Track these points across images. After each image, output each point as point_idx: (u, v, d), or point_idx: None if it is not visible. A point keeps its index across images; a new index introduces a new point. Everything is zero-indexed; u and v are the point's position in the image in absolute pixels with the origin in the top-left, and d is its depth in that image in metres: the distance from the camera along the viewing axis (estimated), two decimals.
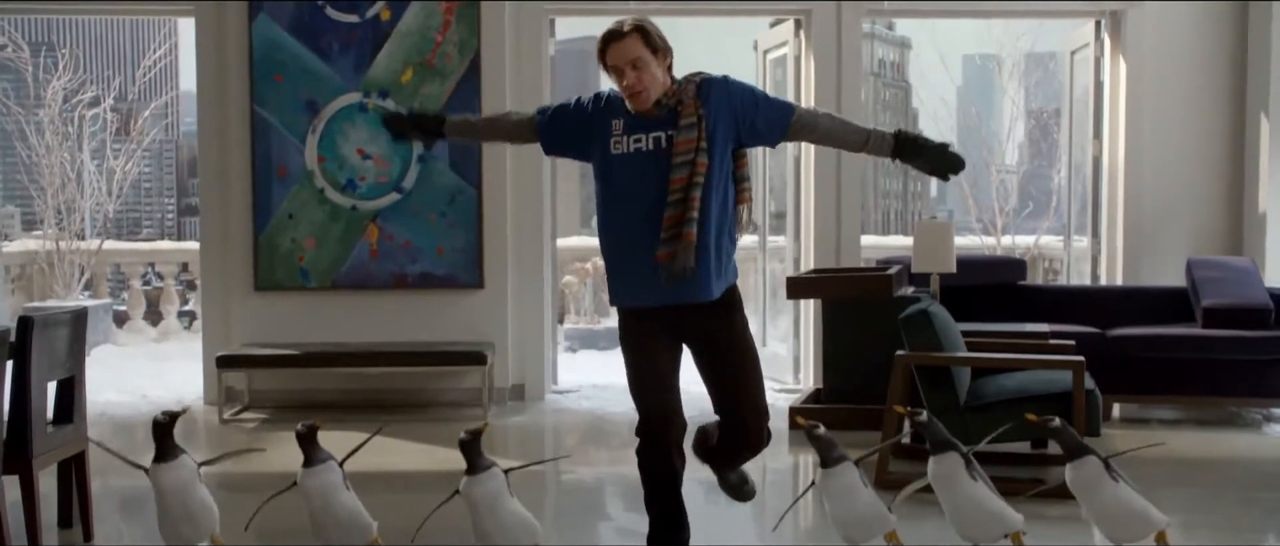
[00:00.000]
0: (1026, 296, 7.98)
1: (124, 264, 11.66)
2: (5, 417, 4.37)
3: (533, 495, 5.04)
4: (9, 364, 4.36)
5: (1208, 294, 7.34)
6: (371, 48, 7.80)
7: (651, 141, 3.92)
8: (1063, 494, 4.25)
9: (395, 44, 7.80)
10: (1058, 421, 4.13)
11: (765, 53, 8.93)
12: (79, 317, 4.86)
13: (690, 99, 3.92)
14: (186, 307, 12.06)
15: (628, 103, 3.94)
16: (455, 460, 4.05)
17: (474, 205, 7.89)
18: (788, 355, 8.63)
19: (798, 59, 8.40)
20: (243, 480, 5.75)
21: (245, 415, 7.63)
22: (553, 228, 8.37)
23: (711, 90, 3.95)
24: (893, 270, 7.09)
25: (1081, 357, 5.50)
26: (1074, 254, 9.31)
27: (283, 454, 5.95)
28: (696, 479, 4.44)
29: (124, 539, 4.98)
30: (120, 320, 11.40)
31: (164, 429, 4.10)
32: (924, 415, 4.15)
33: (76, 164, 12.39)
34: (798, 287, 7.44)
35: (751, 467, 4.46)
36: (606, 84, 4.12)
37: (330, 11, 7.80)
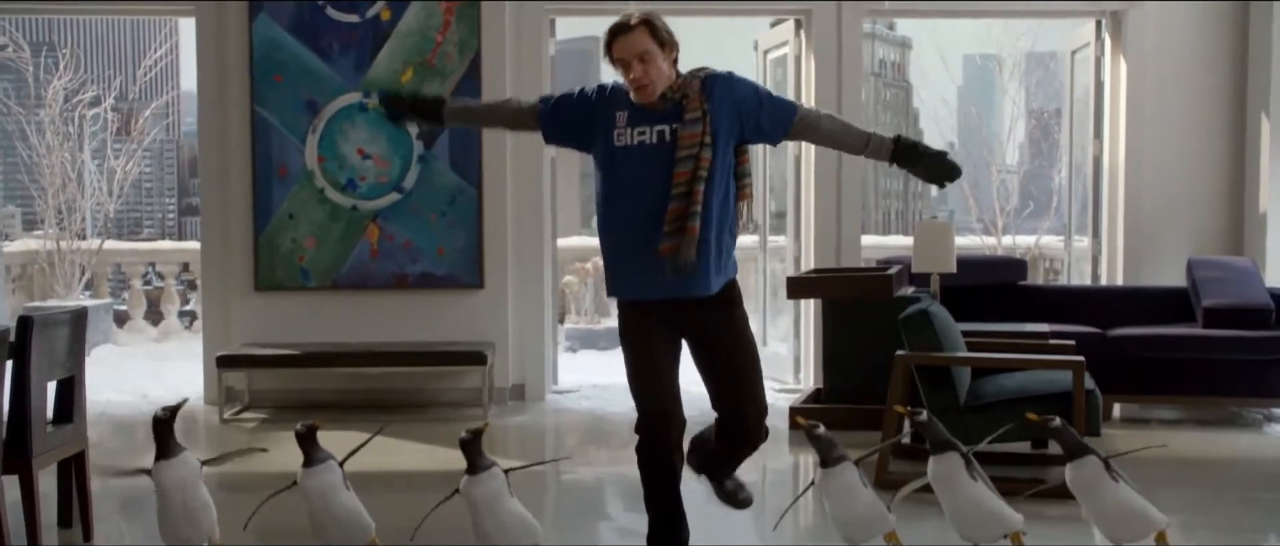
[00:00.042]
0: (1027, 296, 7.97)
1: (125, 264, 11.66)
2: (5, 417, 4.37)
3: (533, 495, 5.03)
4: (9, 364, 4.36)
5: (1208, 294, 7.33)
6: (372, 48, 7.80)
7: (655, 134, 3.93)
8: (1062, 494, 4.25)
9: (395, 44, 7.80)
10: (1058, 421, 4.13)
11: (766, 53, 8.93)
12: (79, 317, 4.86)
13: (695, 94, 3.93)
14: (187, 307, 12.05)
15: (633, 95, 3.95)
16: (455, 460, 4.05)
17: (474, 205, 7.89)
18: (788, 355, 8.63)
19: (798, 59, 8.40)
20: (243, 480, 5.75)
21: (245, 415, 7.63)
22: (553, 228, 8.37)
23: (716, 86, 3.96)
24: (893, 270, 7.09)
25: (1081, 357, 5.50)
26: (1075, 254, 9.30)
27: (283, 454, 5.95)
28: (696, 478, 4.43)
29: (124, 539, 4.98)
30: (121, 320, 11.40)
31: (165, 425, 4.09)
32: (924, 415, 4.15)
33: (77, 164, 12.38)
34: (798, 287, 7.44)
35: (750, 470, 4.46)
36: (608, 77, 4.13)
37: (330, 11, 7.80)
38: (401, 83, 7.77)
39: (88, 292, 11.40)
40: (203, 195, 8.14)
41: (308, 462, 4.12)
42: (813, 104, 8.09)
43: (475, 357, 7.47)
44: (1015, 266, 8.24)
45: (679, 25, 4.20)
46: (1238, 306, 7.22)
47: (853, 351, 7.10)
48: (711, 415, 4.22)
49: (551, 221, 8.30)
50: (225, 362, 7.47)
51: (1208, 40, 8.42)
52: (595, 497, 5.88)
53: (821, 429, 4.04)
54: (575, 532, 5.07)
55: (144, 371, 9.27)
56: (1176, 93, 8.40)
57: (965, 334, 5.97)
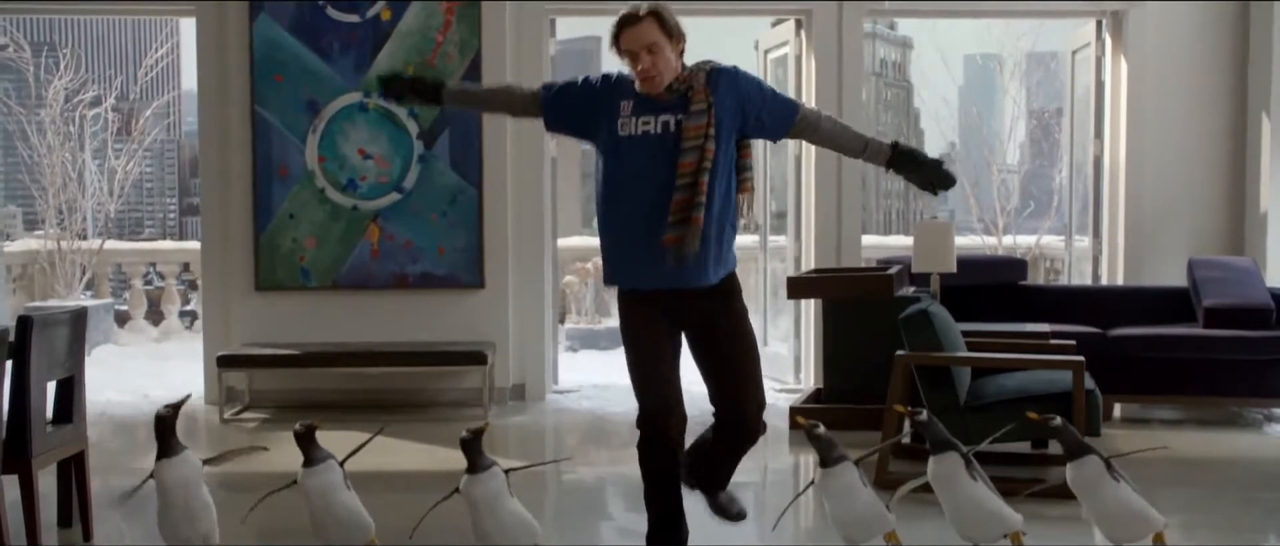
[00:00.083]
0: (1027, 296, 7.97)
1: (125, 263, 11.66)
2: (4, 417, 4.37)
3: (533, 495, 5.04)
4: (8, 364, 4.36)
5: (1209, 294, 7.33)
6: (372, 48, 7.80)
7: (660, 125, 3.95)
8: (1062, 493, 4.24)
9: (396, 44, 7.80)
10: (1059, 420, 4.14)
11: (766, 52, 8.93)
12: (78, 317, 4.86)
13: (700, 86, 3.96)
14: (188, 307, 12.05)
15: (640, 86, 3.97)
16: (456, 460, 4.05)
17: (475, 205, 7.89)
18: (788, 355, 8.63)
19: (798, 58, 8.39)
20: (243, 480, 5.74)
21: (246, 415, 7.63)
22: (553, 227, 8.37)
23: (721, 79, 3.99)
24: (893, 270, 7.09)
25: (1081, 357, 5.50)
26: (1075, 253, 9.30)
27: (283, 454, 5.96)
28: (689, 492, 4.42)
29: (124, 539, 4.98)
30: (122, 320, 11.40)
31: (167, 423, 4.09)
32: (924, 415, 4.15)
33: (78, 164, 12.38)
34: (798, 287, 7.44)
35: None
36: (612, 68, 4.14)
37: (331, 11, 7.80)
38: None
39: (88, 292, 11.40)
40: (203, 195, 8.14)
41: (308, 462, 4.12)
42: (813, 104, 8.11)
43: (476, 357, 7.47)
44: (1016, 266, 8.24)
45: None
46: (1238, 306, 7.22)
47: (853, 351, 7.10)
48: (711, 416, 4.22)
49: (552, 221, 8.30)
50: (226, 362, 7.47)
51: (1208, 40, 8.42)
52: (596, 497, 5.88)
53: (821, 429, 4.04)
54: (576, 532, 5.07)
55: (145, 371, 9.27)
56: (1177, 93, 8.40)
57: (965, 334, 5.97)
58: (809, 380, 8.35)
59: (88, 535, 4.82)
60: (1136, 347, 7.23)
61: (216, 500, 4.21)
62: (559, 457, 6.62)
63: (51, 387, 4.68)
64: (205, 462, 4.20)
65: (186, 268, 11.53)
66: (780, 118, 4.09)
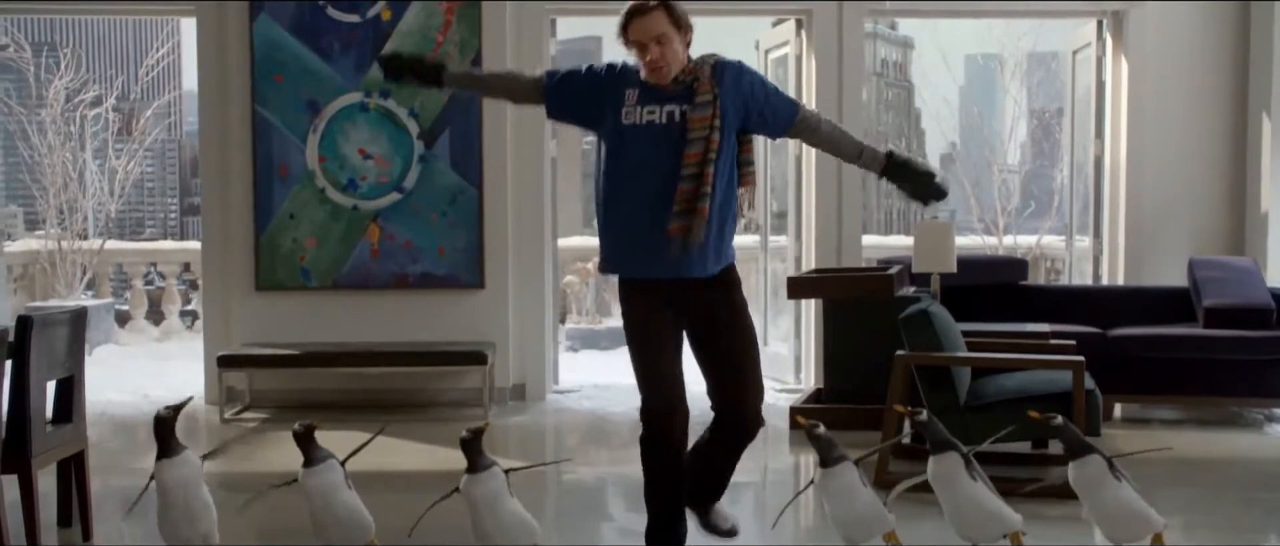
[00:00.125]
0: (1028, 296, 7.97)
1: (126, 263, 11.66)
2: (4, 417, 4.38)
3: (534, 495, 5.03)
4: (8, 363, 4.36)
5: (1209, 294, 7.33)
6: (372, 48, 7.78)
7: (665, 114, 3.97)
8: (1062, 493, 4.25)
9: (396, 44, 7.79)
10: (1060, 419, 4.14)
11: (767, 52, 8.93)
12: (78, 317, 4.86)
13: (706, 78, 3.99)
14: (189, 307, 12.06)
15: (648, 77, 3.99)
16: (456, 460, 4.05)
17: (475, 205, 7.89)
18: (789, 355, 8.63)
19: (799, 58, 8.40)
20: (243, 480, 5.76)
21: (246, 414, 7.64)
22: (554, 227, 8.37)
23: (726, 73, 4.03)
24: (893, 270, 7.09)
25: (1081, 357, 5.50)
26: (1076, 253, 9.30)
27: (283, 453, 5.96)
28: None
29: (124, 539, 4.98)
30: (122, 320, 11.40)
31: (167, 424, 4.10)
32: (924, 415, 4.15)
33: (79, 164, 12.38)
34: (799, 287, 7.44)
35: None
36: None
37: (331, 11, 7.80)
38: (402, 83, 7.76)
39: (89, 292, 11.40)
40: (204, 195, 8.14)
41: (308, 462, 4.12)
42: (814, 104, 8.13)
43: (476, 357, 7.47)
44: (1016, 266, 8.24)
45: None
46: (1239, 306, 7.21)
47: (853, 351, 7.10)
48: (709, 415, 4.22)
49: (552, 221, 8.30)
50: (226, 362, 7.47)
51: (1209, 40, 8.42)
52: (596, 497, 5.88)
53: (821, 428, 4.04)
54: (576, 532, 5.07)
55: (145, 371, 9.27)
56: (1177, 93, 8.40)
57: (965, 334, 5.97)
58: (809, 380, 8.34)
59: (87, 535, 4.82)
60: (1137, 347, 7.22)
61: (216, 500, 4.21)
62: (559, 458, 6.62)
63: (51, 387, 4.68)
64: (204, 458, 4.20)
65: (187, 267, 11.53)
66: (781, 115, 4.13)
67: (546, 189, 8.16)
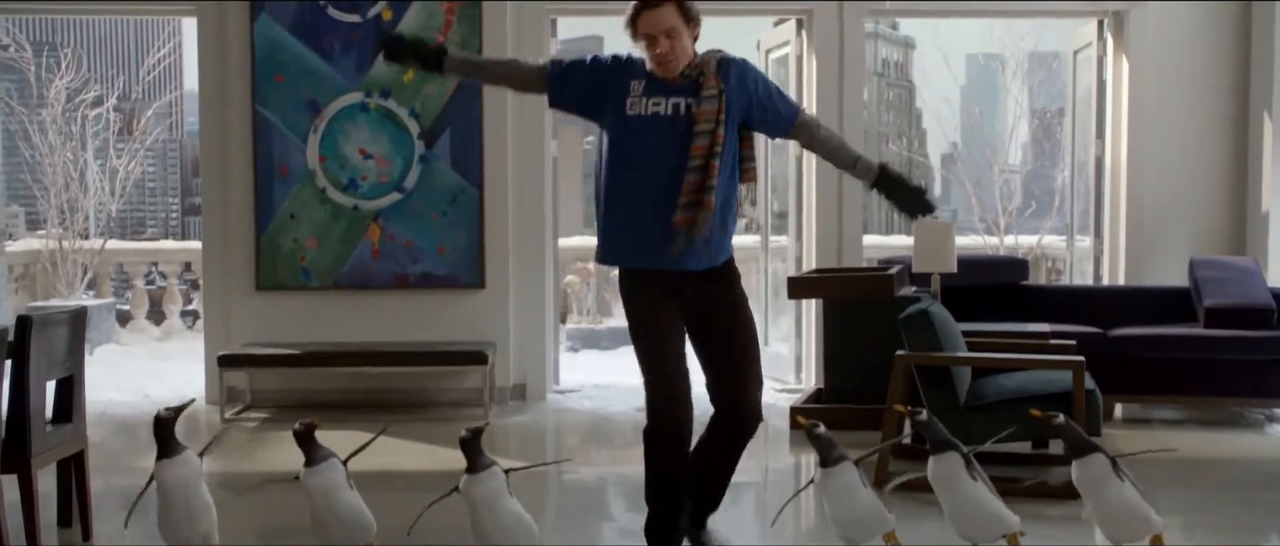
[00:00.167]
0: (1028, 296, 7.97)
1: (127, 263, 11.67)
2: (4, 417, 4.38)
3: (534, 495, 5.03)
4: (8, 363, 4.36)
5: (1210, 294, 7.32)
6: (373, 48, 7.77)
7: (670, 106, 3.99)
8: (1062, 493, 4.24)
9: None
10: (1062, 417, 4.14)
11: (768, 52, 8.93)
12: (78, 317, 4.86)
13: (711, 73, 4.01)
14: (190, 307, 12.06)
15: (655, 69, 4.00)
16: (456, 460, 4.05)
17: (475, 205, 7.89)
18: (789, 355, 8.63)
19: (800, 58, 8.39)
20: (243, 480, 5.76)
21: (247, 414, 7.64)
22: (554, 227, 8.37)
23: (731, 70, 4.06)
24: (894, 270, 7.08)
25: (1081, 357, 5.49)
26: (1077, 253, 9.29)
27: (283, 453, 5.97)
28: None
29: (124, 539, 4.98)
30: (123, 319, 11.41)
31: (166, 425, 4.10)
32: (924, 415, 4.15)
33: (80, 163, 12.39)
34: (799, 287, 7.44)
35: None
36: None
37: (332, 11, 7.80)
38: (404, 82, 7.78)
39: (91, 292, 11.40)
40: (204, 195, 8.14)
41: (309, 462, 4.12)
42: (815, 104, 8.14)
43: (476, 357, 7.47)
44: (1017, 266, 8.23)
45: None
46: (1239, 306, 7.21)
47: (854, 351, 7.10)
48: (707, 416, 4.22)
49: (553, 221, 8.29)
50: (227, 362, 7.48)
51: (1209, 40, 8.41)
52: (596, 498, 5.87)
53: (822, 428, 4.04)
54: (576, 532, 5.06)
55: (146, 371, 9.27)
56: (1178, 92, 8.39)
57: (965, 334, 5.97)
58: (810, 380, 8.34)
59: (87, 535, 4.82)
60: (1137, 347, 7.22)
61: (216, 500, 4.22)
62: (560, 458, 6.62)
63: (51, 387, 4.68)
64: (201, 454, 4.20)
65: (188, 267, 11.54)
66: (781, 116, 4.16)
67: (547, 189, 8.16)
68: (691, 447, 4.21)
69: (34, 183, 12.85)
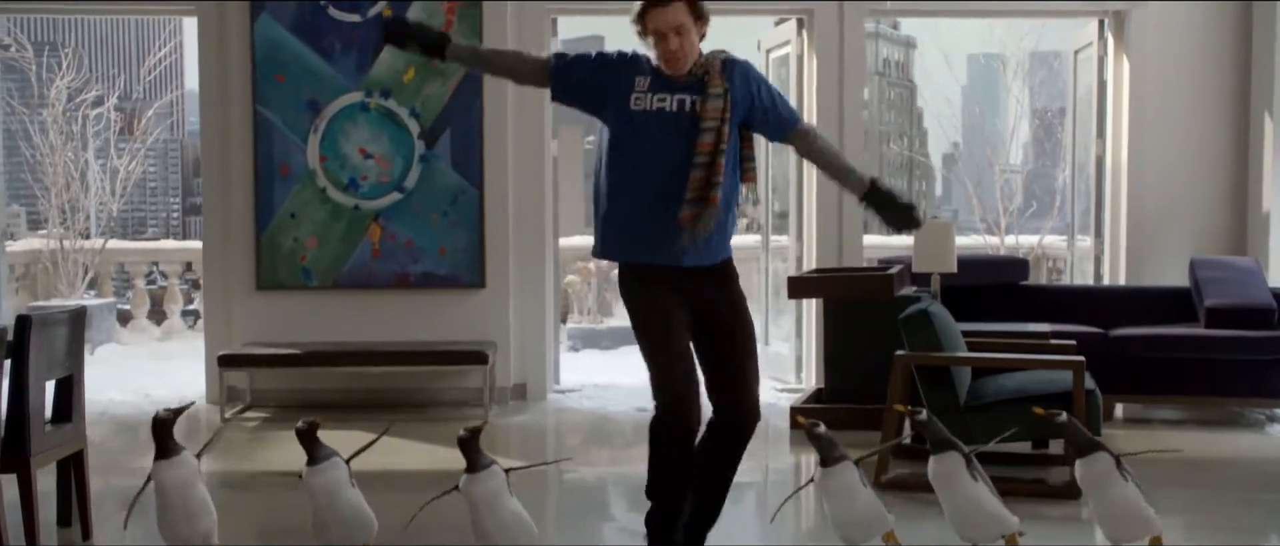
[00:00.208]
0: (1029, 296, 7.97)
1: (128, 263, 11.67)
2: (3, 416, 4.38)
3: (534, 494, 5.03)
4: (7, 363, 4.36)
5: (1211, 294, 7.32)
6: (373, 47, 7.78)
7: (675, 103, 4.01)
8: (1062, 493, 4.24)
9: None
10: (1065, 416, 4.14)
11: (768, 52, 8.93)
12: (77, 317, 4.86)
13: (716, 72, 4.03)
14: (191, 307, 12.06)
15: (664, 67, 4.01)
16: (456, 459, 4.05)
17: (476, 205, 7.89)
18: (789, 354, 8.63)
19: (800, 58, 8.39)
20: (243, 480, 5.76)
21: (247, 414, 7.64)
22: (555, 227, 8.37)
23: (735, 69, 4.08)
24: (894, 270, 7.08)
25: (1081, 357, 5.49)
26: (1078, 253, 9.29)
27: (284, 453, 5.97)
28: None
29: (123, 538, 4.98)
30: (124, 319, 11.40)
31: (165, 426, 4.10)
32: (924, 415, 4.15)
33: (81, 163, 12.41)
34: (799, 287, 7.44)
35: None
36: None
37: (332, 11, 7.80)
38: (404, 81, 7.78)
39: (91, 292, 11.41)
40: (205, 194, 8.14)
41: (312, 461, 4.12)
42: (816, 104, 8.14)
43: (477, 357, 7.47)
44: (1017, 266, 8.23)
45: None
46: (1240, 306, 7.21)
47: (854, 351, 7.09)
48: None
49: (553, 221, 8.29)
50: (227, 362, 7.48)
51: (1210, 40, 8.41)
52: (597, 497, 5.87)
53: (822, 428, 4.04)
54: (577, 532, 5.06)
55: (147, 371, 9.27)
56: (1179, 92, 8.39)
57: (966, 334, 5.97)
58: (810, 380, 8.34)
59: (87, 534, 4.82)
60: (1138, 347, 7.22)
61: (216, 500, 4.22)
62: (560, 457, 6.62)
63: (51, 387, 4.68)
64: (198, 455, 4.20)
65: (189, 267, 11.54)
66: (781, 119, 4.17)
67: (547, 188, 8.16)
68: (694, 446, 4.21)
69: (35, 182, 12.87)
